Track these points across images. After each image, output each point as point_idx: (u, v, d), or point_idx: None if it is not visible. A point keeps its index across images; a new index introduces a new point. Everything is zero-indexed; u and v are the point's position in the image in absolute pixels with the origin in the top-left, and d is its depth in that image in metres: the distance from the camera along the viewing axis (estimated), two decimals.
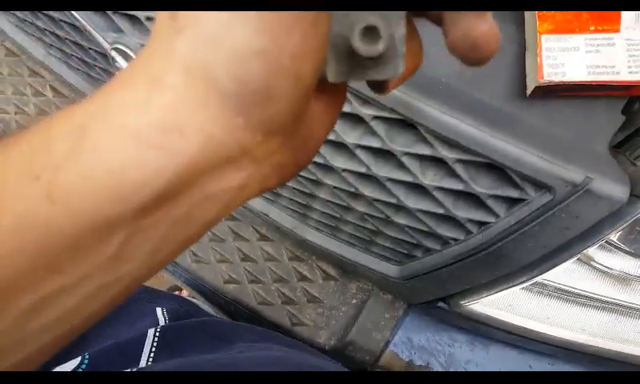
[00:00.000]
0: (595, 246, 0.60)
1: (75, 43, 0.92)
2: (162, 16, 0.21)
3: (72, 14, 0.82)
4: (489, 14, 0.23)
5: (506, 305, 0.70)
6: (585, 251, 0.59)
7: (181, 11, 0.20)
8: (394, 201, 0.66)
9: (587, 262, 0.64)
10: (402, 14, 0.24)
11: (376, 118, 0.61)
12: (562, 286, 0.65)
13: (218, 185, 0.22)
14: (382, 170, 0.64)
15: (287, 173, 0.26)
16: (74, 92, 1.14)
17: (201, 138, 0.20)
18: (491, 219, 0.60)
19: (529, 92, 0.53)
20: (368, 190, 0.68)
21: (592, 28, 0.50)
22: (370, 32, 0.23)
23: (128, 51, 0.79)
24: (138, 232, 0.21)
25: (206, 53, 0.20)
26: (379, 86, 0.28)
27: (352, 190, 0.68)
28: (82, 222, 0.20)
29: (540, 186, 0.55)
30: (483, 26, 0.23)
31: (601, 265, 0.63)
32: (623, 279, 0.64)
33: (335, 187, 0.70)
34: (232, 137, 0.21)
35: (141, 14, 0.74)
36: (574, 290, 0.65)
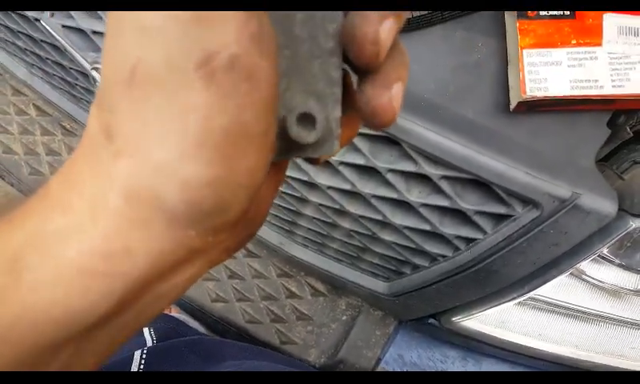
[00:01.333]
0: (586, 261, 0.59)
1: (56, 63, 0.91)
2: (93, 130, 0.19)
3: (52, 34, 0.80)
4: (395, 87, 0.23)
5: (498, 321, 0.69)
6: (577, 265, 0.58)
7: (118, 133, 0.19)
8: (379, 218, 0.64)
9: (578, 275, 0.63)
10: (339, 98, 0.24)
11: (359, 134, 0.60)
12: (554, 301, 0.64)
13: (169, 285, 0.21)
14: (366, 186, 0.63)
15: (236, 248, 0.26)
16: (57, 110, 1.13)
17: (150, 256, 0.19)
18: (479, 236, 0.59)
19: (512, 107, 0.52)
20: (353, 207, 0.66)
21: (574, 42, 0.49)
22: (306, 118, 0.23)
23: None
24: (88, 342, 0.20)
25: (153, 181, 0.19)
26: (312, 160, 0.28)
27: (337, 207, 0.67)
28: (23, 349, 0.18)
29: (527, 201, 0.54)
30: (383, 98, 0.23)
31: (592, 278, 0.62)
32: (615, 292, 0.63)
33: (320, 204, 0.69)
34: (182, 247, 0.20)
35: None
36: (566, 304, 0.64)
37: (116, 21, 0.18)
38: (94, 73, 0.80)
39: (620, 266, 0.60)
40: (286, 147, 0.24)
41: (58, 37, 0.80)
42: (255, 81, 0.18)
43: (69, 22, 0.78)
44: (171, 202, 0.19)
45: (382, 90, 0.23)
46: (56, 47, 0.85)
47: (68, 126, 1.16)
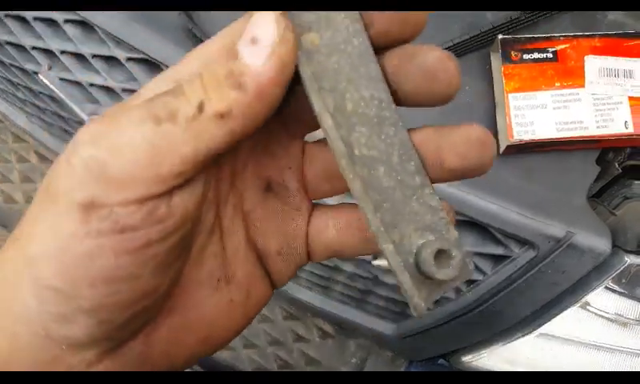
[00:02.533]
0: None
1: (55, 114, 0.97)
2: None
3: (50, 87, 0.87)
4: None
5: (507, 359, 0.72)
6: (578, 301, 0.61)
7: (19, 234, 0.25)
8: None
9: (583, 306, 0.66)
10: (448, 220, 0.27)
11: None
12: (560, 335, 0.67)
13: None
14: None
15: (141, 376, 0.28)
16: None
17: (7, 338, 0.24)
18: (479, 277, 0.62)
19: (501, 150, 0.56)
20: None
21: (557, 84, 0.54)
22: (443, 256, 0.26)
23: None
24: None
25: (19, 276, 0.24)
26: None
27: None
28: None
29: (523, 242, 0.57)
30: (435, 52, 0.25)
31: (596, 309, 0.65)
32: (620, 322, 0.66)
33: None
34: (37, 344, 0.24)
35: (117, 86, 0.79)
36: (572, 337, 0.66)
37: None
38: None
39: (623, 294, 0.63)
40: (429, 288, 0.26)
41: (55, 89, 0.87)
42: (128, 236, 0.23)
43: (66, 75, 0.85)
44: (26, 292, 0.24)
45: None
46: (54, 99, 0.92)
47: None
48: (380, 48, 0.26)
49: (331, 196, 0.33)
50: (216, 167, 0.29)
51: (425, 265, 0.25)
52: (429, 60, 0.25)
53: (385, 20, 0.26)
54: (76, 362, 0.25)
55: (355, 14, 0.26)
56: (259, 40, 0.23)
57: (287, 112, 0.28)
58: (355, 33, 0.26)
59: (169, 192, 0.24)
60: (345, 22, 0.26)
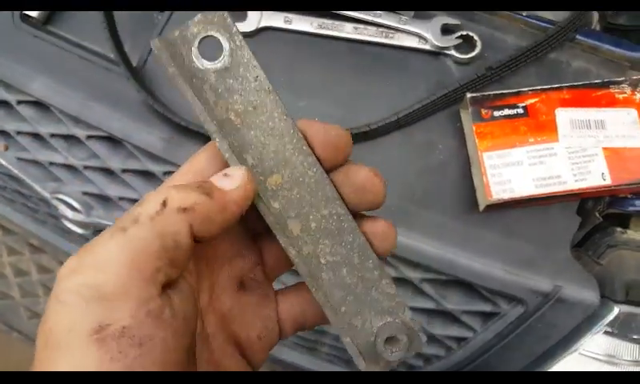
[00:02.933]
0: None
1: (16, 191, 0.93)
2: None
3: (7, 167, 0.83)
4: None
5: None
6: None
7: None
8: None
9: (575, 349, 0.65)
10: (403, 303, 0.33)
11: None
12: None
13: None
14: None
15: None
16: (23, 230, 1.14)
17: None
18: (469, 334, 0.61)
19: (481, 209, 0.54)
20: None
21: (531, 139, 0.53)
22: (393, 340, 0.32)
23: (70, 200, 0.79)
24: None
25: None
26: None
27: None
28: None
29: (510, 298, 0.56)
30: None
31: (588, 352, 0.64)
32: (613, 363, 0.65)
33: None
34: None
35: (78, 164, 0.76)
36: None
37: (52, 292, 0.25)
38: (55, 202, 0.82)
39: (614, 335, 0.62)
40: (384, 362, 0.32)
41: (13, 169, 0.82)
42: (147, 346, 0.24)
43: (24, 155, 0.81)
44: None
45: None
46: (14, 177, 0.87)
47: (36, 243, 1.17)
48: (329, 170, 0.33)
49: (287, 271, 0.38)
50: (196, 279, 0.32)
51: (378, 348, 0.31)
52: (359, 178, 0.32)
53: (323, 151, 0.32)
54: None
55: (307, 149, 0.32)
56: (231, 176, 0.29)
57: (249, 214, 0.31)
58: (309, 165, 0.32)
59: (165, 293, 0.26)
60: (299, 158, 0.32)
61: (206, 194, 0.28)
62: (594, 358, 0.65)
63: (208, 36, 0.31)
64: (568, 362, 0.67)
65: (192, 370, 0.28)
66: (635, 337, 0.59)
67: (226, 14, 0.31)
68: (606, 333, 0.63)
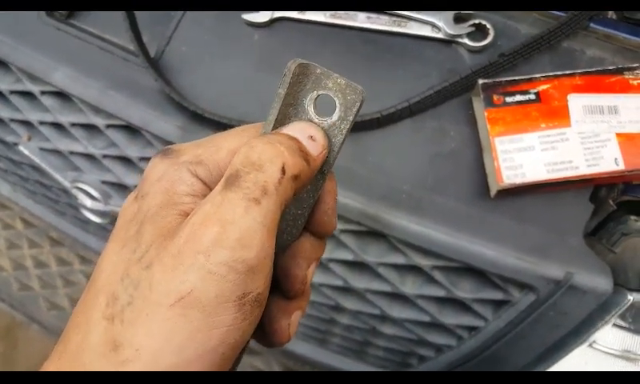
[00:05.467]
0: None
1: (37, 182, 0.93)
2: (95, 340, 0.26)
3: (29, 157, 0.83)
4: (294, 315, 0.32)
5: None
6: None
7: (128, 345, 0.25)
8: (377, 312, 0.65)
9: (590, 345, 0.62)
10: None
11: (344, 231, 0.61)
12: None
13: None
14: (359, 282, 0.64)
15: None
16: (43, 223, 1.15)
17: None
18: (480, 323, 0.59)
19: (492, 194, 0.53)
20: (349, 303, 0.67)
21: (543, 125, 0.51)
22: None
23: (89, 189, 0.79)
24: None
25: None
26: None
27: (332, 303, 0.67)
28: None
29: (522, 286, 0.54)
30: (283, 322, 0.32)
31: (603, 346, 0.61)
32: (628, 358, 0.63)
33: (315, 301, 0.69)
34: None
35: (98, 153, 0.76)
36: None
37: (177, 255, 0.26)
38: (74, 191, 0.82)
39: (630, 330, 0.60)
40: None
41: (36, 159, 0.83)
42: (260, 303, 0.27)
43: (46, 145, 0.81)
44: None
45: (285, 315, 0.31)
46: (36, 168, 0.88)
47: (55, 236, 1.17)
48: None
49: None
50: None
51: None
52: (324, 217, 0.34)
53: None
54: None
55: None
56: (316, 140, 0.30)
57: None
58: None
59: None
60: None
61: (306, 161, 0.29)
62: (607, 353, 0.63)
63: (330, 96, 0.31)
64: (583, 356, 0.65)
65: None
66: None
67: (363, 92, 0.31)
68: (620, 327, 0.60)
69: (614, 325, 0.60)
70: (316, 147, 0.30)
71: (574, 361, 0.65)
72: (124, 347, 0.25)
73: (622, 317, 0.57)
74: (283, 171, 0.27)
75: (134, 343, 0.25)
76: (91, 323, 0.26)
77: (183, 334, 0.25)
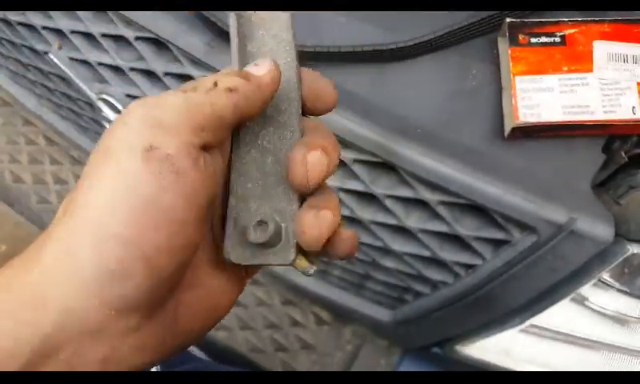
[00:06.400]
0: (588, 286, 0.59)
1: (64, 94, 0.95)
2: (57, 216, 0.28)
3: (59, 66, 0.84)
4: (323, 213, 0.31)
5: (502, 349, 0.69)
6: (578, 291, 0.59)
7: (72, 203, 0.27)
8: (380, 244, 0.66)
9: (581, 302, 0.63)
10: (294, 214, 0.32)
11: (357, 161, 0.61)
12: (558, 330, 0.64)
13: (79, 358, 0.26)
14: (365, 213, 0.64)
15: (155, 354, 0.30)
16: (65, 140, 1.17)
17: (59, 311, 0.25)
18: (478, 261, 0.60)
19: (506, 133, 0.53)
20: None
21: (565, 68, 0.51)
22: (261, 224, 0.31)
23: (113, 101, 0.81)
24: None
25: (82, 238, 0.26)
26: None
27: None
28: None
29: (524, 227, 0.55)
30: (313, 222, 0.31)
31: (595, 305, 0.62)
32: (619, 320, 0.63)
33: None
34: (88, 311, 0.25)
35: (125, 65, 0.77)
36: (569, 333, 0.64)
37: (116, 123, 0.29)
38: (99, 103, 0.83)
39: (623, 291, 0.60)
40: (248, 253, 0.32)
41: (65, 69, 0.84)
42: (181, 179, 0.27)
43: (76, 55, 0.82)
44: (84, 253, 0.25)
45: (311, 209, 0.32)
46: (64, 79, 0.89)
47: (76, 156, 1.20)
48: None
49: None
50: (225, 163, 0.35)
51: (249, 230, 0.31)
52: (319, 85, 0.36)
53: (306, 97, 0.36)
54: (120, 328, 0.26)
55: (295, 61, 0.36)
56: (260, 65, 0.33)
57: None
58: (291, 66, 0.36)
59: (202, 147, 0.29)
60: (287, 59, 0.36)
61: (245, 79, 0.32)
62: (600, 313, 0.63)
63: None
64: (575, 315, 0.65)
65: (199, 240, 0.30)
66: None
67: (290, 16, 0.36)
68: (614, 288, 0.61)
69: (608, 285, 0.60)
70: (259, 69, 0.33)
71: (566, 320, 0.66)
72: (76, 202, 0.27)
73: (618, 273, 0.57)
74: (215, 84, 0.30)
75: (80, 201, 0.27)
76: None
77: (100, 179, 0.27)
